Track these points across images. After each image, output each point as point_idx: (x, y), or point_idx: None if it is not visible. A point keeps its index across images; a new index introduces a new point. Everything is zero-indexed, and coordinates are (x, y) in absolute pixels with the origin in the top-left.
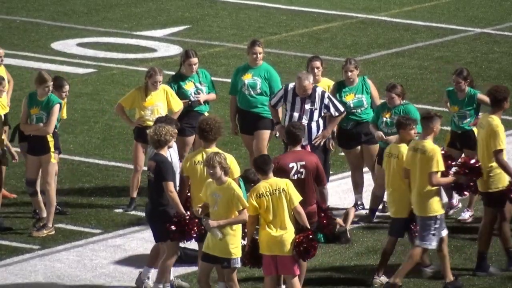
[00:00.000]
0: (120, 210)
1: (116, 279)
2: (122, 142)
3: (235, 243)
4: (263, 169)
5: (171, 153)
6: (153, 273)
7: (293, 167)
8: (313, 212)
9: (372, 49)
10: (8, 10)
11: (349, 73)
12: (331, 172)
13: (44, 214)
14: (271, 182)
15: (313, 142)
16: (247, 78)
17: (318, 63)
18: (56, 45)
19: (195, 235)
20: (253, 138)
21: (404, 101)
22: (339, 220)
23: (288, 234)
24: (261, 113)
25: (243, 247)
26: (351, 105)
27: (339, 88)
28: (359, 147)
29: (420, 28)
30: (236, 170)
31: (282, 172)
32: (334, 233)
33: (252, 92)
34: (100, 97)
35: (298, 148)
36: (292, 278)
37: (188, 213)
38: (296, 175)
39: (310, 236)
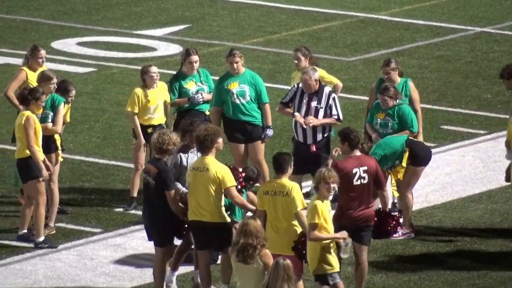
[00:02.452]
0: (121, 209)
1: (116, 278)
2: (122, 141)
3: None
4: (282, 167)
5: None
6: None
7: (356, 172)
8: (371, 215)
9: (372, 48)
10: (8, 9)
11: (386, 76)
12: None
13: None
14: (280, 183)
15: (306, 123)
16: (234, 87)
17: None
18: (56, 44)
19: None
20: (244, 147)
21: (397, 101)
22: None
23: (288, 236)
24: (253, 122)
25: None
26: None
27: (380, 85)
28: None
29: (420, 27)
30: (230, 180)
31: (345, 178)
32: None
33: (242, 100)
34: (100, 96)
35: (358, 153)
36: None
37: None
38: (359, 180)
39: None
